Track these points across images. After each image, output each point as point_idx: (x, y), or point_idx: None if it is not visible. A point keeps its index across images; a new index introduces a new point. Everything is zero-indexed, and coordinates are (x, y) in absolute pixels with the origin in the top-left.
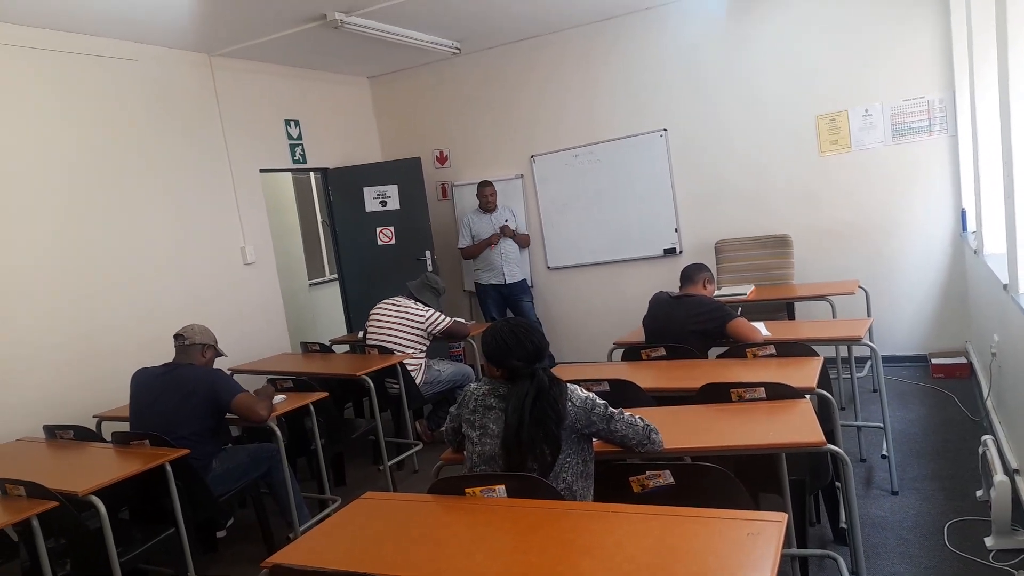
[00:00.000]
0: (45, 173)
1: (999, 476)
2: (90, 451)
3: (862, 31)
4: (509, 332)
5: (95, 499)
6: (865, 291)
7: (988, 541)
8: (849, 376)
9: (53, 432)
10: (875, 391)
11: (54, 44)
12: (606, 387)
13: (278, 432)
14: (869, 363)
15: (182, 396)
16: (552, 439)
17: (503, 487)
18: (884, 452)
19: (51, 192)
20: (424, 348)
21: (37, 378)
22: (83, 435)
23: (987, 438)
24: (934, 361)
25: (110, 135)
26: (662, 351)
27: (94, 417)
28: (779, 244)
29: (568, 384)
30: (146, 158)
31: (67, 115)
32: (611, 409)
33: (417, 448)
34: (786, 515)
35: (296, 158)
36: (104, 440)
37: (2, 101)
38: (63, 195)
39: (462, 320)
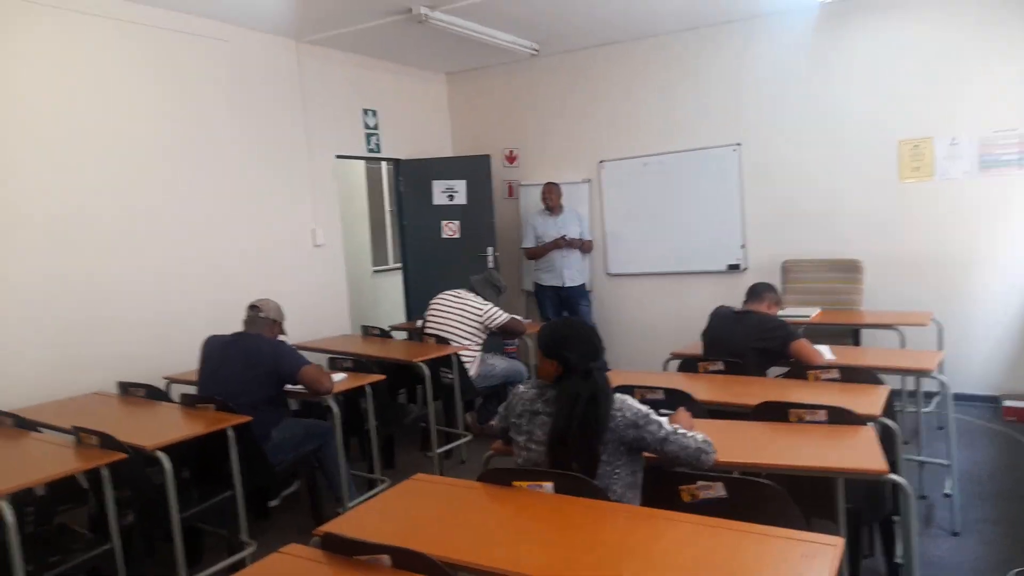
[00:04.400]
0: (132, 144)
1: None
2: (159, 409)
3: (955, 57)
4: (567, 325)
5: (162, 455)
6: (938, 324)
7: None
8: (915, 410)
9: (126, 388)
10: (941, 428)
11: (154, 20)
12: (661, 395)
13: (335, 409)
14: (936, 399)
15: (247, 365)
16: (592, 447)
17: (551, 484)
18: (947, 491)
19: (136, 162)
20: (480, 341)
21: (114, 336)
22: (153, 394)
23: None
24: (1006, 403)
25: (196, 111)
26: (720, 365)
27: (164, 378)
28: (849, 269)
29: (621, 395)
30: (229, 135)
31: (159, 89)
32: (666, 430)
33: (466, 439)
34: (842, 539)
35: (371, 147)
36: (172, 401)
37: (99, 71)
38: (148, 166)
39: (519, 318)
